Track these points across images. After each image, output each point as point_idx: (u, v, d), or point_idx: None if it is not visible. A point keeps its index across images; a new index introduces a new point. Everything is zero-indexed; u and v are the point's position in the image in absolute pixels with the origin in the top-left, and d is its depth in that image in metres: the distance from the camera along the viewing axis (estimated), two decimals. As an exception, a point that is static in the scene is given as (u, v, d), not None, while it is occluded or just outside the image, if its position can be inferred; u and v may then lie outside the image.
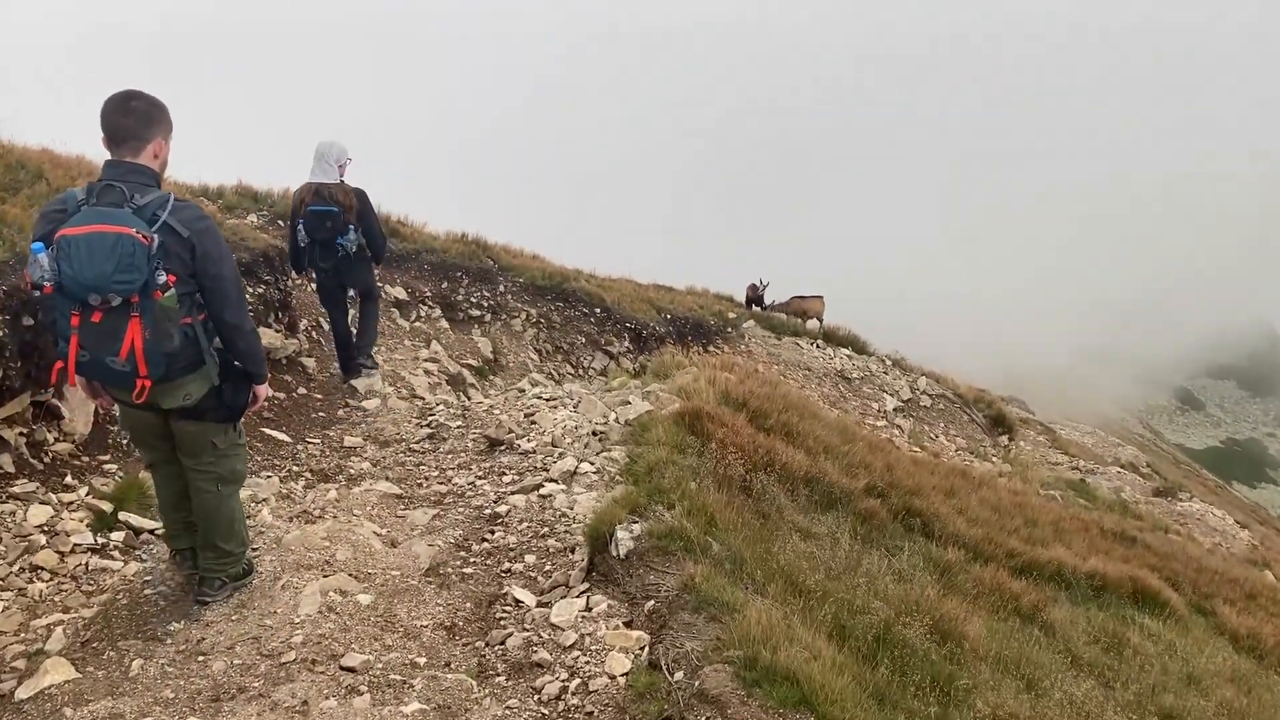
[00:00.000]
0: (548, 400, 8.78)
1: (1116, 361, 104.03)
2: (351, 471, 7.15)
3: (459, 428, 8.20)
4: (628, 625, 4.45)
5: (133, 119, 3.69)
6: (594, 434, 7.71)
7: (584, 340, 13.67)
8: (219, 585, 4.51)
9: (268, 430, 7.77)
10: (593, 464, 6.98)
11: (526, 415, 8.16)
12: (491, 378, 11.74)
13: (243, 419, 4.47)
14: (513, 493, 6.54)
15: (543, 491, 6.48)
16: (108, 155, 3.75)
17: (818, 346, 19.46)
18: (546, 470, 6.91)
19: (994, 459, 16.72)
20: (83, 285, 3.43)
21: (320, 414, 8.55)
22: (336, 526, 5.58)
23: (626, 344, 14.20)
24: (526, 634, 4.51)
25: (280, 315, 9.48)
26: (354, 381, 9.26)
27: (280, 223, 11.58)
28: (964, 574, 6.58)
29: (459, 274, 13.07)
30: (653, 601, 4.50)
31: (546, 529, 5.97)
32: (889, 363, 19.84)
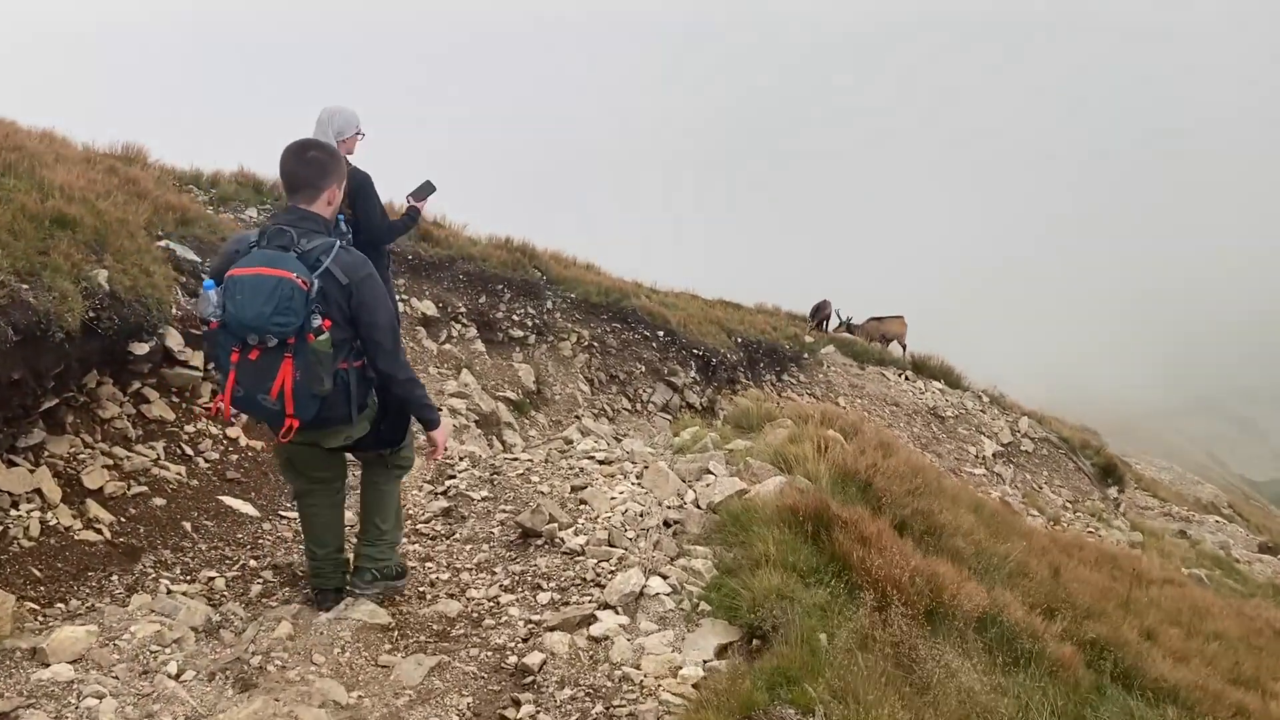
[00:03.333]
0: (602, 464, 6.68)
1: (1176, 385, 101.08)
2: (328, 572, 5.11)
3: (484, 501, 6.14)
4: None
5: (309, 169, 3.85)
6: (665, 524, 5.61)
7: (643, 369, 11.58)
8: (370, 579, 4.60)
9: (229, 500, 5.78)
10: (666, 579, 4.88)
11: (575, 490, 6.06)
12: (533, 413, 9.69)
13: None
14: (551, 627, 4.46)
15: (595, 629, 4.39)
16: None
17: (906, 378, 17.19)
18: (600, 586, 4.83)
19: (1117, 525, 14.34)
20: (242, 324, 3.57)
21: (306, 472, 6.53)
22: (269, 711, 3.52)
23: (693, 373, 12.09)
24: None
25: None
26: (356, 426, 7.27)
27: (285, 219, 9.65)
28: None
29: (500, 286, 11.05)
30: None
31: (601, 703, 3.89)
32: (986, 399, 17.51)
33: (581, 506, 5.78)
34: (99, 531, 4.93)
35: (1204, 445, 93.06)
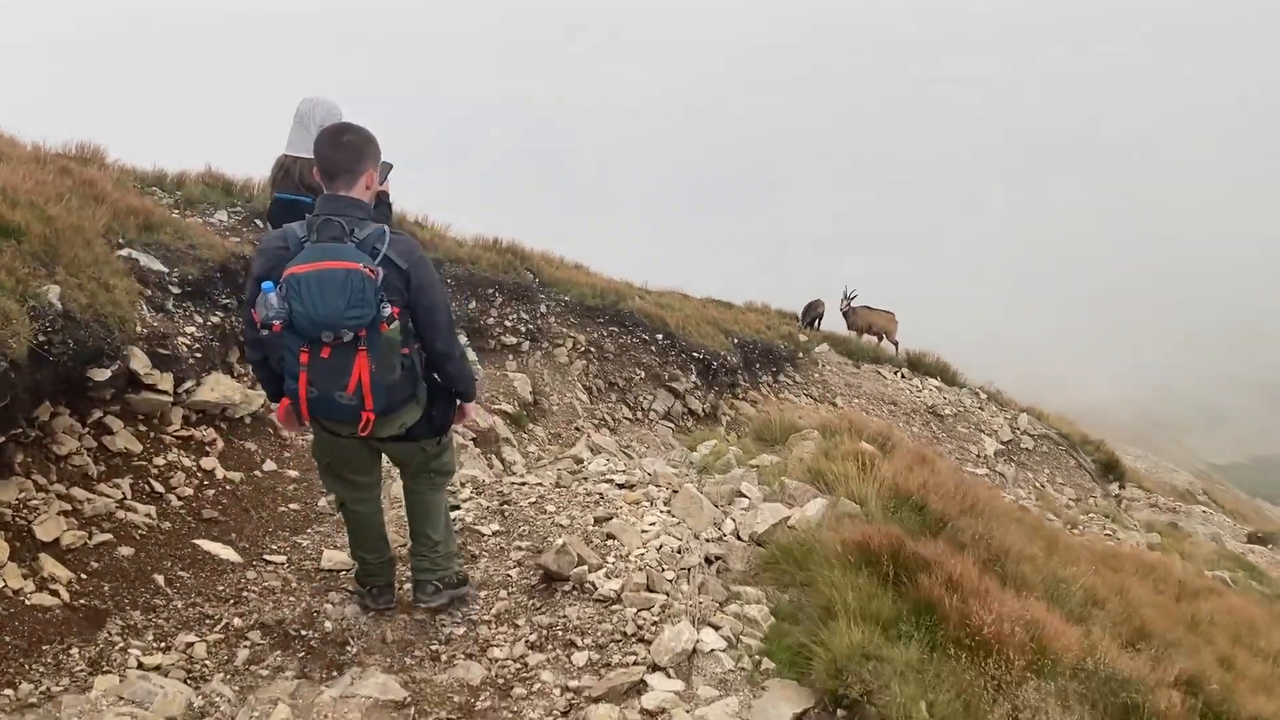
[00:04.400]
0: (622, 488, 6.02)
1: (1137, 374, 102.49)
2: (325, 631, 4.42)
3: (496, 536, 5.48)
4: None
5: (345, 153, 3.75)
6: (706, 560, 4.97)
7: (643, 374, 10.92)
8: (433, 590, 4.56)
9: (206, 544, 5.06)
10: (719, 629, 4.26)
11: (599, 522, 5.39)
12: (531, 426, 9.01)
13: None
14: (595, 698, 3.82)
15: (647, 700, 3.76)
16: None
17: (902, 376, 16.66)
18: (644, 641, 4.18)
19: (1133, 527, 13.88)
20: (315, 323, 3.47)
21: (292, 506, 5.84)
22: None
23: (693, 378, 11.45)
24: None
25: (244, 352, 6.77)
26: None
27: (258, 222, 8.88)
28: None
29: (490, 290, 10.34)
30: None
31: (666, 798, 3.24)
32: (984, 396, 17.01)
33: (609, 542, 5.11)
34: (55, 594, 4.20)
35: (1170, 432, 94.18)
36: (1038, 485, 15.58)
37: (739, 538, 5.25)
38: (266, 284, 3.55)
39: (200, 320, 6.34)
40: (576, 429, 9.51)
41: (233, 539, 5.25)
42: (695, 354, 11.60)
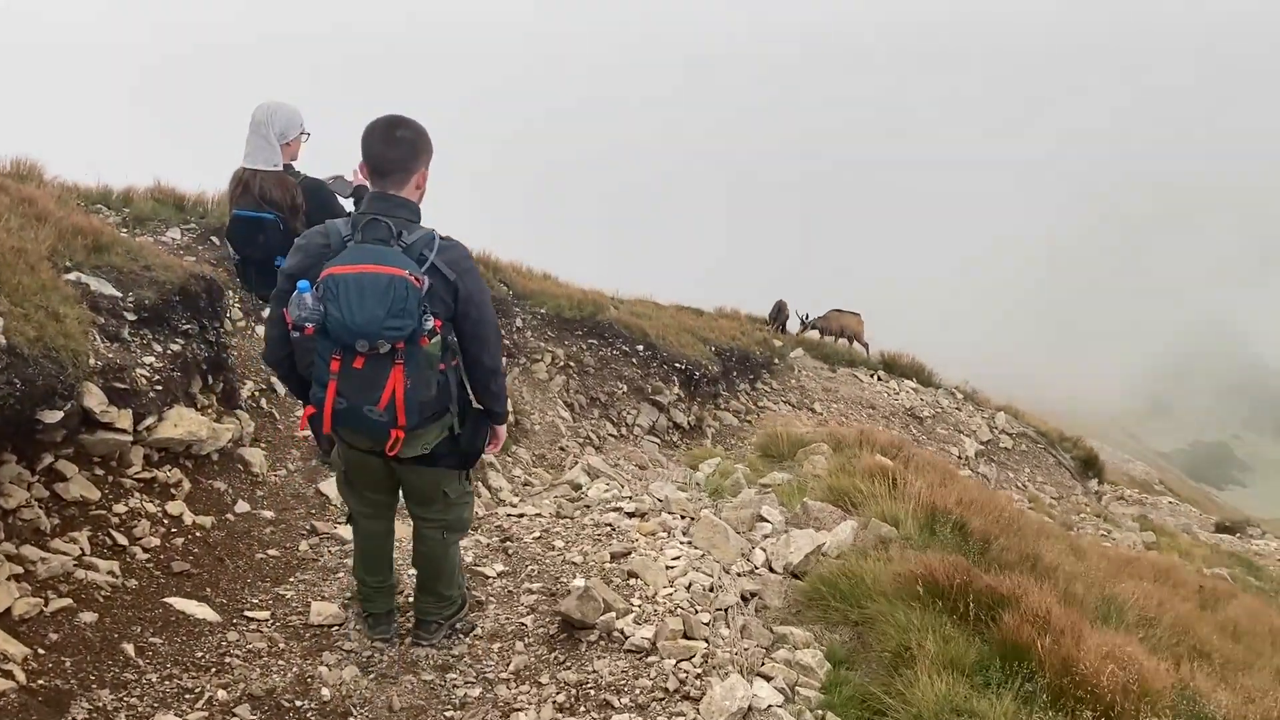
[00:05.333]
0: (632, 516, 5.55)
1: (1094, 366, 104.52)
2: (323, 700, 3.89)
3: (502, 578, 4.98)
4: None
5: (399, 150, 3.50)
6: (743, 598, 4.52)
7: (625, 388, 10.44)
8: (435, 628, 4.31)
9: (178, 603, 4.50)
10: (770, 680, 3.80)
11: (615, 558, 4.91)
12: (514, 449, 8.48)
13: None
14: (647, 774, 3.34)
15: (708, 773, 3.27)
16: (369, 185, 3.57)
17: (879, 379, 16.38)
18: (690, 699, 3.72)
19: (1130, 528, 13.69)
20: (351, 330, 3.23)
21: (271, 552, 5.28)
22: None
23: (676, 389, 10.99)
24: None
25: (209, 382, 6.19)
26: (325, 486, 6.03)
27: (214, 239, 8.26)
28: None
29: (462, 305, 9.79)
30: None
31: None
32: (960, 396, 16.79)
33: (631, 581, 4.63)
34: (9, 674, 3.62)
35: (1119, 422, 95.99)
36: (1020, 485, 15.38)
37: (772, 570, 4.81)
38: (303, 283, 3.30)
39: (159, 349, 5.75)
40: (561, 449, 9.01)
41: (208, 594, 4.69)
42: (677, 364, 11.15)
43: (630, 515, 5.57)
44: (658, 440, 10.30)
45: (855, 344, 18.98)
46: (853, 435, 7.10)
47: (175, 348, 5.91)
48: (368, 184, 3.71)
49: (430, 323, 3.33)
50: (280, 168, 5.55)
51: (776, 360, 15.28)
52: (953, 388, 17.08)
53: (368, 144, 3.51)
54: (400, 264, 3.27)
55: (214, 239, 8.31)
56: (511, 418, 8.94)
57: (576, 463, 8.50)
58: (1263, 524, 27.17)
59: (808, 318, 19.72)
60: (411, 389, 3.39)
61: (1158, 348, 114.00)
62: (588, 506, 5.95)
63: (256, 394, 6.90)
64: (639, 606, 4.37)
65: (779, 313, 19.07)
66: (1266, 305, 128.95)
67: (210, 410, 6.17)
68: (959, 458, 15.13)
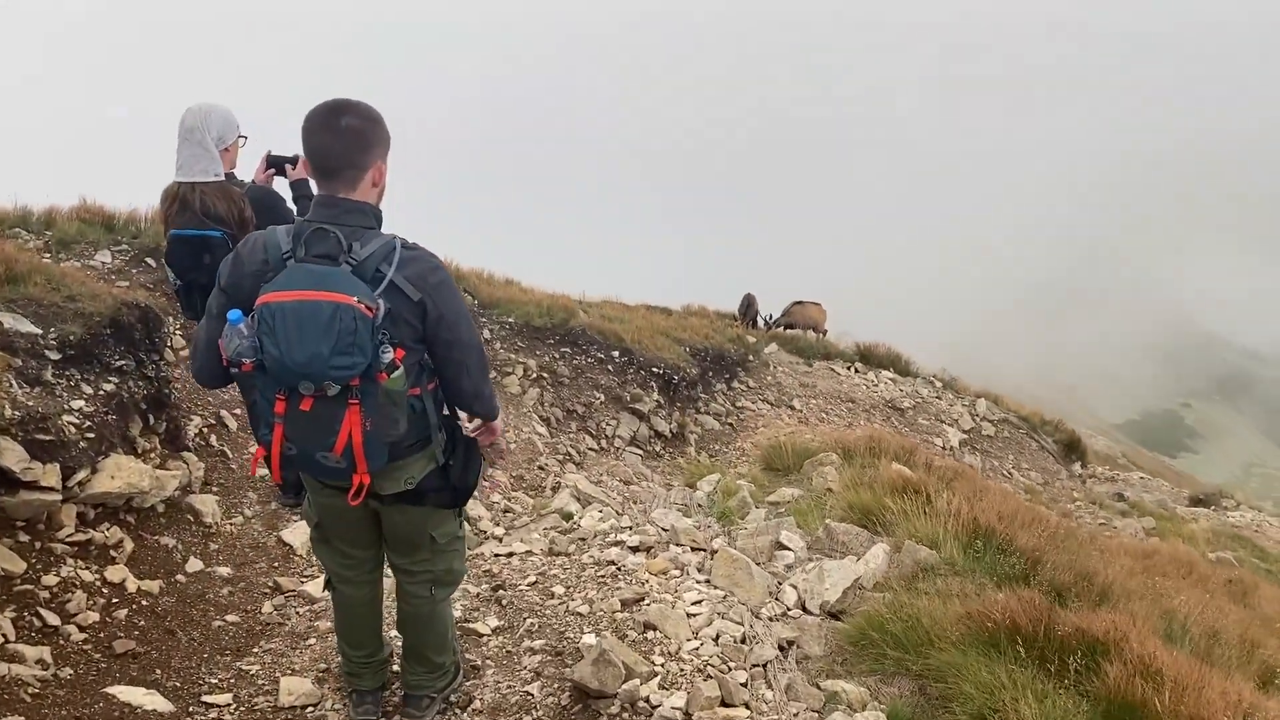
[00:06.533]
0: (637, 551, 4.96)
1: (1036, 339, 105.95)
2: (303, 812, 3.26)
3: (498, 635, 4.37)
4: None
5: (345, 141, 2.87)
6: (780, 649, 3.95)
7: (603, 398, 9.83)
8: (427, 703, 3.74)
9: (123, 692, 3.84)
10: (830, 753, 3.23)
11: (626, 605, 4.32)
12: (491, 473, 7.85)
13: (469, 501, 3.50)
14: None
15: None
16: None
17: (856, 371, 15.92)
18: (741, 785, 3.13)
19: (1130, 514, 13.37)
20: (291, 370, 2.72)
21: (230, 618, 4.62)
22: None
23: (656, 396, 10.41)
24: None
25: (150, 423, 5.50)
26: (288, 534, 5.38)
27: (149, 261, 7.51)
28: None
29: (426, 319, 9.13)
30: None
31: None
32: (939, 385, 16.39)
33: (649, 635, 4.04)
34: (-92, 814, 2.96)
35: (1070, 395, 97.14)
36: (1006, 473, 15.02)
37: (807, 610, 4.26)
38: (233, 313, 2.81)
39: (89, 391, 5.05)
40: (540, 468, 8.40)
41: (158, 677, 4.04)
42: (655, 369, 10.57)
43: (635, 550, 4.98)
44: (640, 451, 9.71)
45: (814, 334, 18.71)
46: (862, 442, 6.57)
47: (108, 387, 5.22)
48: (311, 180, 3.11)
49: (389, 355, 2.81)
50: (222, 177, 4.88)
51: (751, 357, 14.74)
52: (930, 376, 16.69)
53: (308, 136, 2.92)
54: (347, 288, 2.74)
55: (149, 260, 7.58)
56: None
57: (558, 482, 7.91)
58: (1235, 494, 27.32)
59: (770, 318, 19.32)
60: (373, 431, 2.88)
61: (1105, 320, 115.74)
62: (584, 540, 5.35)
63: (205, 430, 6.22)
64: (663, 667, 3.79)
65: (748, 307, 18.62)
66: (1207, 273, 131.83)
67: (153, 455, 5.49)
68: (944, 448, 14.72)
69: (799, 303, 19.87)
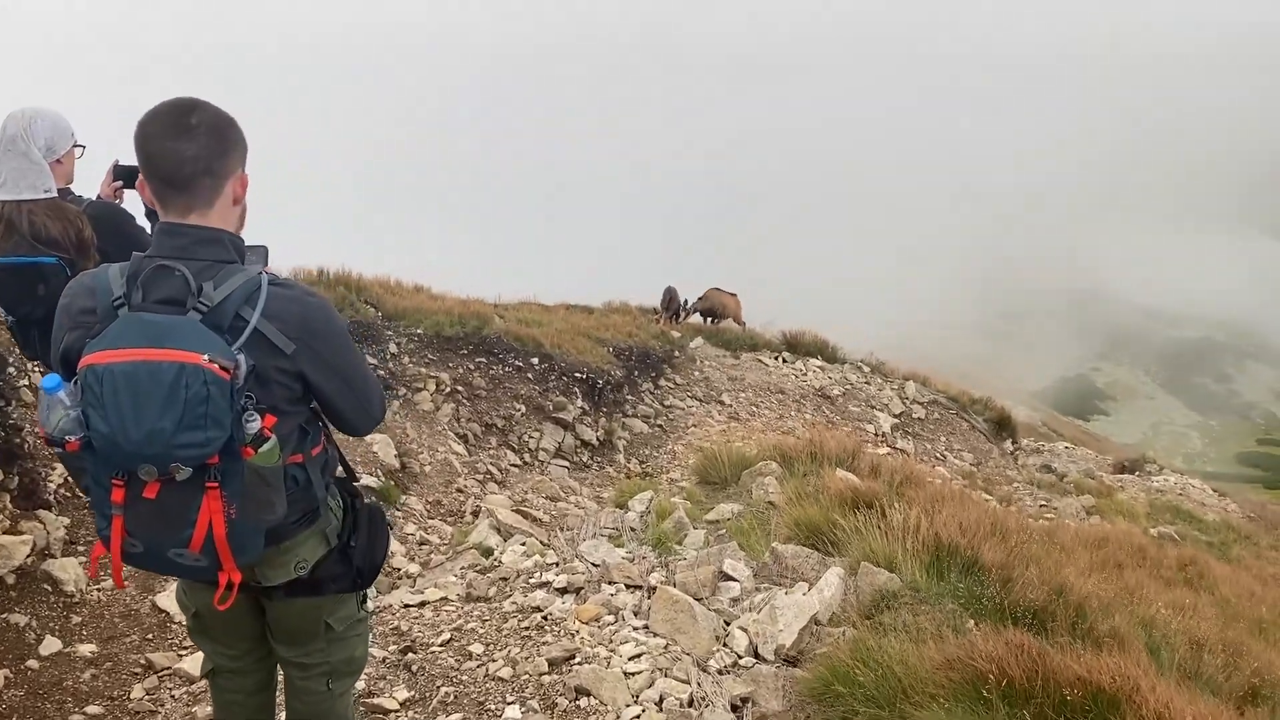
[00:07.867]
0: (565, 593, 4.42)
1: (941, 308, 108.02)
2: None
3: (407, 710, 3.77)
4: None
5: (199, 142, 2.22)
6: (733, 708, 3.44)
7: (524, 409, 9.25)
8: None
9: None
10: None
11: (554, 666, 3.76)
12: (404, 500, 7.23)
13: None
14: None
15: None
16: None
17: (783, 360, 15.60)
18: None
19: (1069, 491, 13.24)
20: (126, 452, 2.12)
21: (92, 709, 3.95)
22: None
23: (580, 402, 9.87)
24: None
25: (-3, 481, 4.77)
26: (164, 599, 4.71)
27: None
28: None
29: (325, 335, 8.44)
30: None
31: None
32: (867, 370, 16.15)
33: (581, 703, 3.50)
34: None
35: (987, 366, 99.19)
36: (939, 455, 14.84)
37: (760, 656, 3.75)
38: (48, 380, 2.19)
39: (-86, 449, 4.32)
40: (459, 490, 7.80)
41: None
42: (578, 374, 10.02)
43: (563, 592, 4.44)
44: (566, 463, 9.16)
45: (730, 323, 18.44)
46: (802, 446, 6.13)
47: (-62, 444, 4.47)
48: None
49: (255, 425, 2.21)
50: (54, 193, 4.16)
51: (677, 353, 14.31)
52: (858, 361, 16.45)
53: (148, 143, 2.28)
54: (196, 343, 2.14)
55: None
56: (396, 462, 7.66)
57: (478, 505, 7.32)
58: (1155, 458, 27.86)
59: (686, 303, 18.94)
60: (240, 519, 2.25)
61: (1013, 286, 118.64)
62: (505, 580, 4.79)
63: (68, 480, 5.47)
64: (601, 743, 3.25)
65: (670, 300, 18.16)
66: (1109, 238, 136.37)
67: (2, 515, 4.76)
68: (876, 435, 14.49)
69: (716, 289, 19.57)
